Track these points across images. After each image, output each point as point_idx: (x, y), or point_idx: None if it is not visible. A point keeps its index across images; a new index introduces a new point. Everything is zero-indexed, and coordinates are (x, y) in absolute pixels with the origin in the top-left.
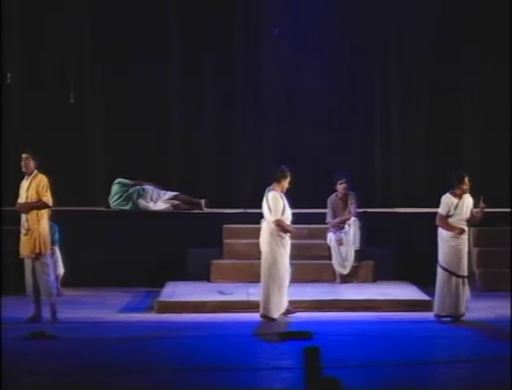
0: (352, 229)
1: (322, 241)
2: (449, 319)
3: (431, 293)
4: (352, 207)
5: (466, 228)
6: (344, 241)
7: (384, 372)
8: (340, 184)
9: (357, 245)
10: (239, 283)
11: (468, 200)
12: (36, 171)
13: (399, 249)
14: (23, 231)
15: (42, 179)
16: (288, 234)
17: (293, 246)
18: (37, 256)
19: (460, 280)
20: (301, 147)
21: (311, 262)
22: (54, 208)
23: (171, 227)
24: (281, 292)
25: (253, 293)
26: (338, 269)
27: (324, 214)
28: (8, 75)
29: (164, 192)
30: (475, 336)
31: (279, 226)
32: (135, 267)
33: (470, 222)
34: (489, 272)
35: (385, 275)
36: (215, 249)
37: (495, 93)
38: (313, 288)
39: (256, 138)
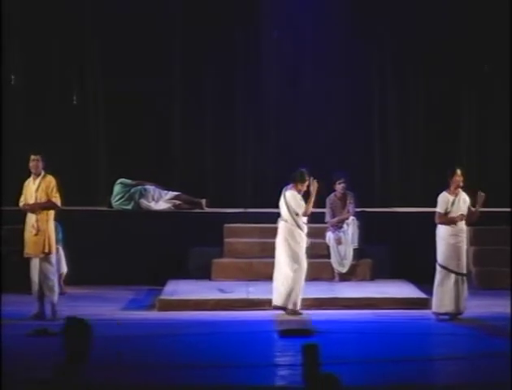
0: (350, 228)
1: (321, 240)
2: (447, 317)
3: (428, 291)
4: (350, 207)
5: (464, 226)
6: (343, 240)
7: (382, 369)
8: (339, 184)
9: (356, 244)
10: (239, 282)
11: (464, 196)
12: (43, 172)
13: (397, 248)
14: (33, 231)
15: (51, 181)
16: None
17: None
18: (45, 255)
19: (459, 278)
20: (301, 147)
21: (311, 261)
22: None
23: (172, 227)
24: (302, 287)
25: (253, 292)
26: (337, 267)
27: (323, 213)
28: (12, 76)
29: (166, 192)
30: (472, 334)
31: (294, 225)
32: (137, 266)
33: (468, 220)
34: (485, 271)
35: (383, 274)
36: (216, 248)
37: (493, 94)
38: (312, 286)
39: (256, 139)
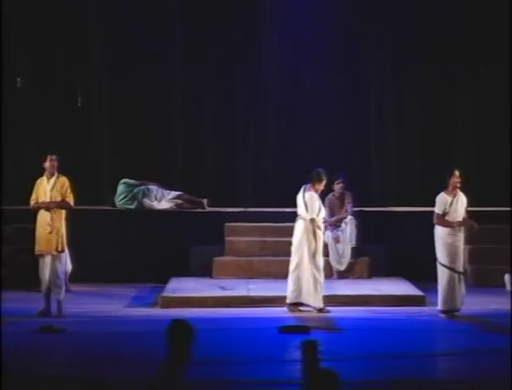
0: (348, 227)
1: None
2: (449, 314)
3: (424, 289)
4: (348, 206)
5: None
6: (341, 239)
7: (380, 364)
8: (337, 183)
9: (354, 243)
10: (239, 280)
11: (462, 198)
12: (56, 173)
13: (394, 247)
14: (48, 228)
15: (66, 181)
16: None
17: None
18: (58, 253)
19: (456, 276)
20: (301, 147)
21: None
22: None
23: (174, 226)
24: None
25: (253, 289)
26: (335, 265)
27: None
28: (18, 79)
29: (168, 191)
30: (469, 330)
31: (312, 225)
32: (140, 264)
33: (462, 225)
34: (480, 269)
35: (380, 272)
36: (217, 247)
37: (490, 94)
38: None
39: (256, 139)
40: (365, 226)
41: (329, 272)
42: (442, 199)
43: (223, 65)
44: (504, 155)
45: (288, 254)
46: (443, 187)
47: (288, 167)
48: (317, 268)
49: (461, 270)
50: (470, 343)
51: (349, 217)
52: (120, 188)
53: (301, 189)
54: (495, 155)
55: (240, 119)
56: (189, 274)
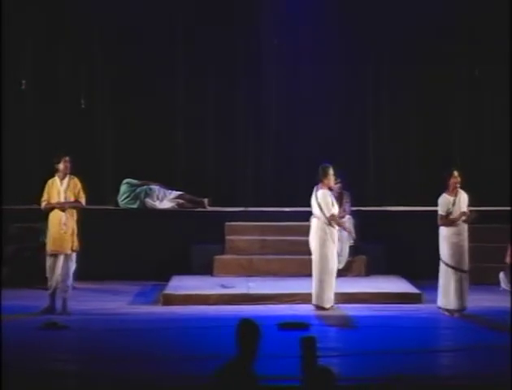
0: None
1: None
2: (451, 313)
3: (421, 286)
4: (347, 206)
5: (465, 225)
6: (340, 238)
7: (378, 361)
8: (336, 183)
9: (352, 241)
10: (240, 278)
11: (464, 196)
12: (68, 174)
13: (391, 246)
14: (63, 228)
15: (78, 182)
16: (337, 228)
17: (293, 242)
18: (72, 252)
19: (462, 275)
20: (301, 147)
21: (308, 257)
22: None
23: (176, 225)
24: (333, 284)
25: (253, 287)
26: None
27: None
28: (23, 81)
29: (170, 191)
30: (466, 326)
31: (334, 220)
32: (142, 262)
33: (465, 216)
34: (477, 267)
35: (378, 270)
36: (218, 245)
37: (488, 93)
38: (309, 281)
39: (256, 139)
40: (363, 225)
41: None
42: (444, 200)
43: (224, 65)
44: (504, 155)
45: (288, 253)
46: (441, 186)
47: (288, 167)
48: (325, 269)
49: (466, 269)
50: (467, 339)
51: (347, 216)
52: (123, 187)
53: (314, 190)
54: (495, 155)
55: (241, 119)
56: (190, 272)
